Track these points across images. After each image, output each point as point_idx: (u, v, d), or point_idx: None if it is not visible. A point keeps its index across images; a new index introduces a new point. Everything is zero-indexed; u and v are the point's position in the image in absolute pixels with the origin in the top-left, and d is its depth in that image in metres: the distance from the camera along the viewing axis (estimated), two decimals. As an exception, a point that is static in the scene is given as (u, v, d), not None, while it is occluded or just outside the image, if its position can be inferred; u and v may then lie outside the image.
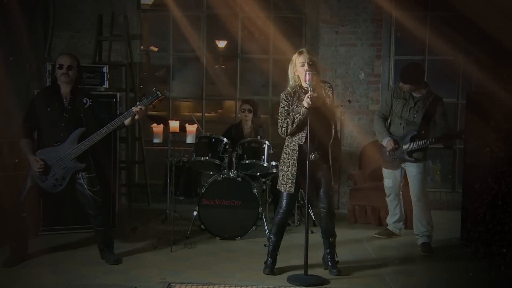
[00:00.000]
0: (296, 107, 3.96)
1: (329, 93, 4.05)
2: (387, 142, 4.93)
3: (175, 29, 7.01)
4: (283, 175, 4.06)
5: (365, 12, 6.65)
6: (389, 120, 5.10)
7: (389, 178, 5.12)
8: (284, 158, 4.07)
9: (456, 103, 6.79)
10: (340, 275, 4.07)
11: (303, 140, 3.96)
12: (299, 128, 3.96)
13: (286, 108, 3.99)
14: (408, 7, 6.55)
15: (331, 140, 4.08)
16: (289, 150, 4.05)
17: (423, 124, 4.84)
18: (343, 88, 6.74)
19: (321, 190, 4.08)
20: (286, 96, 4.02)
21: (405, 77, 4.86)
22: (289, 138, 4.06)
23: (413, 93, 4.87)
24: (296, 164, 3.98)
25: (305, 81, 3.89)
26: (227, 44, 7.37)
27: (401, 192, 5.18)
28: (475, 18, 5.08)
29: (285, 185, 4.03)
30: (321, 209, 4.12)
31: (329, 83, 4.13)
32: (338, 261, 4.19)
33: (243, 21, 6.99)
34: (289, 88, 4.05)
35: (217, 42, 7.38)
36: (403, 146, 4.85)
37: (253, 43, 7.30)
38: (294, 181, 3.98)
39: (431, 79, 4.96)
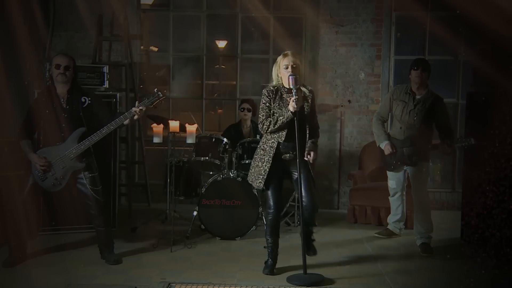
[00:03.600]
0: (279, 108, 3.99)
1: (308, 98, 4.10)
2: (385, 146, 4.89)
3: (175, 29, 7.02)
4: (256, 170, 4.08)
5: (365, 12, 6.65)
6: (389, 122, 5.07)
7: (393, 179, 5.10)
8: (260, 154, 4.09)
9: (456, 103, 6.79)
10: (316, 254, 4.18)
11: (283, 138, 4.01)
12: (281, 127, 4.01)
13: (267, 104, 4.05)
14: (408, 7, 6.55)
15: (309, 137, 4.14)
16: (266, 146, 4.08)
17: (423, 127, 4.79)
18: (343, 88, 6.74)
19: (302, 187, 4.04)
20: (268, 93, 4.07)
21: (418, 61, 4.82)
22: (267, 135, 4.09)
23: (414, 92, 4.81)
24: (271, 161, 4.01)
25: (288, 85, 3.95)
26: (227, 44, 7.37)
27: (404, 193, 5.18)
28: (475, 18, 5.07)
29: (256, 180, 4.07)
30: (304, 205, 4.05)
31: (310, 87, 4.18)
32: (314, 240, 4.29)
33: (243, 21, 6.99)
34: (271, 86, 4.11)
35: (217, 42, 7.38)
36: (404, 150, 4.81)
37: (253, 43, 7.30)
38: (265, 177, 4.02)
39: (431, 79, 4.93)
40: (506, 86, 4.56)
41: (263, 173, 4.03)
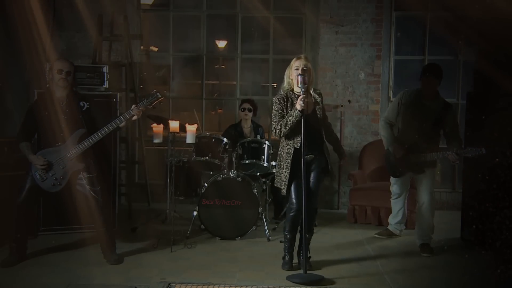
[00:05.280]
0: (291, 111, 4.07)
1: (318, 100, 4.20)
2: (394, 149, 4.83)
3: (175, 29, 7.02)
4: (279, 176, 4.21)
5: (365, 12, 6.65)
6: (397, 128, 4.99)
7: (397, 184, 5.09)
8: (280, 160, 4.22)
9: (456, 103, 6.79)
10: (311, 269, 4.11)
11: (299, 145, 4.08)
12: (294, 132, 4.08)
13: (280, 111, 4.14)
14: (408, 7, 6.55)
15: (326, 138, 4.29)
16: (283, 153, 4.19)
17: (431, 133, 4.73)
18: (343, 88, 6.74)
19: (310, 186, 4.17)
20: (279, 100, 4.15)
21: (430, 68, 4.75)
22: (283, 141, 4.20)
23: (423, 98, 4.73)
24: (290, 167, 4.11)
25: (297, 84, 4.04)
26: (227, 44, 7.37)
27: (406, 195, 5.17)
28: (475, 18, 5.08)
29: (280, 186, 4.19)
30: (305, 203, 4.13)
31: (318, 90, 4.29)
32: (310, 257, 4.25)
33: (243, 21, 7.00)
34: (281, 91, 4.19)
35: (217, 42, 7.38)
36: (411, 156, 4.74)
37: (253, 43, 7.30)
38: (287, 183, 4.13)
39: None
40: (506, 86, 4.56)
41: (285, 180, 4.14)
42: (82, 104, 4.27)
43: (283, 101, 4.13)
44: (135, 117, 4.18)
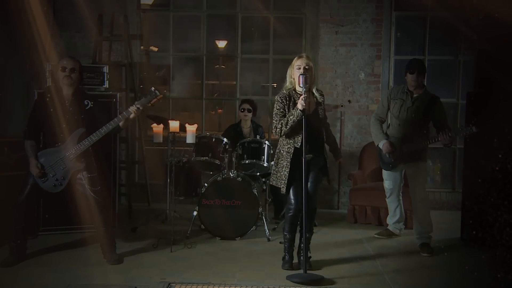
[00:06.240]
0: (292, 110, 4.08)
1: (320, 100, 4.21)
2: (383, 145, 4.90)
3: (175, 29, 7.02)
4: (277, 175, 4.20)
5: (365, 12, 6.66)
6: (388, 122, 5.07)
7: (389, 179, 5.11)
8: (279, 159, 4.21)
9: (456, 103, 6.79)
10: (311, 269, 4.11)
11: (299, 144, 4.07)
12: (295, 131, 4.08)
13: (281, 110, 4.13)
14: (408, 7, 6.56)
15: (325, 139, 4.33)
16: (283, 151, 4.18)
17: (421, 124, 4.82)
18: (343, 88, 6.74)
19: (309, 186, 4.15)
20: (281, 99, 4.15)
21: (413, 64, 4.84)
22: (283, 139, 4.19)
23: (412, 91, 4.83)
24: (289, 166, 4.11)
25: (298, 84, 4.04)
26: (227, 44, 7.37)
27: (401, 193, 5.18)
28: (475, 18, 5.08)
29: (279, 185, 4.18)
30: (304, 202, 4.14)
31: (321, 91, 4.28)
32: (310, 257, 4.25)
33: (243, 21, 7.00)
34: (284, 90, 4.19)
35: (217, 42, 7.39)
36: (402, 147, 4.83)
37: (253, 43, 7.30)
38: (287, 182, 4.12)
39: (431, 79, 4.94)
40: (506, 86, 4.56)
41: (284, 178, 4.14)
42: (86, 103, 4.27)
43: (285, 100, 4.13)
44: (132, 115, 4.16)
